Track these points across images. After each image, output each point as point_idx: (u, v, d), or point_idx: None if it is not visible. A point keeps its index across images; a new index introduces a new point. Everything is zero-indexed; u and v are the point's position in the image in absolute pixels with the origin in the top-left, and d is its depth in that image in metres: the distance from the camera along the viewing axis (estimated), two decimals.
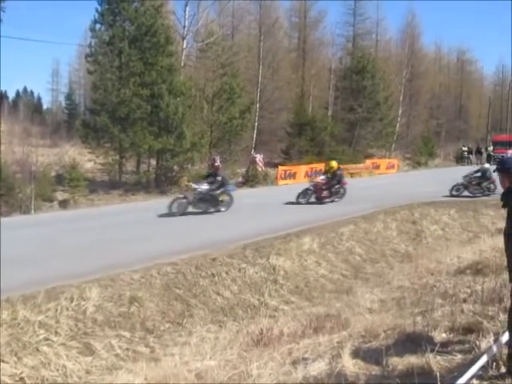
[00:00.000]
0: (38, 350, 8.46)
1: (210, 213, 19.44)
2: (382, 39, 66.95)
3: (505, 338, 5.27)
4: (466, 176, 25.43)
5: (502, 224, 5.42)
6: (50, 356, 8.40)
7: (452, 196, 24.32)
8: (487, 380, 4.92)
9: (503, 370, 5.04)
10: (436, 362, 5.46)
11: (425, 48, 70.24)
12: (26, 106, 66.17)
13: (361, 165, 40.31)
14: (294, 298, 12.36)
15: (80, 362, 8.50)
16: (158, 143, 28.42)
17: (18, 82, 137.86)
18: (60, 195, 25.94)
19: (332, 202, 22.81)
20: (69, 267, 11.74)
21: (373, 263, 15.38)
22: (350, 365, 5.79)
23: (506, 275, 6.00)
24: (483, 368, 4.95)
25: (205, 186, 19.51)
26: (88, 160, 31.96)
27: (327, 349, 6.75)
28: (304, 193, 22.66)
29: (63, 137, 50.95)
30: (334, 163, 23.93)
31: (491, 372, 5.02)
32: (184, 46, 35.36)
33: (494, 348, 5.22)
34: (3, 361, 7.95)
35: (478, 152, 52.21)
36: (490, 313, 6.86)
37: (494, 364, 5.09)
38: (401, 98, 56.64)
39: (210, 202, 19.59)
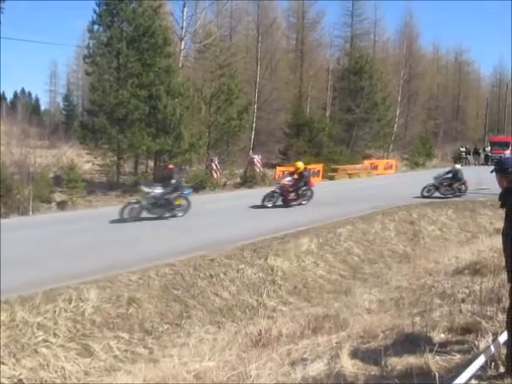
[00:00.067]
0: (36, 351, 8.45)
1: (166, 218, 18.50)
2: (380, 40, 67.20)
3: (503, 337, 5.28)
4: (437, 177, 25.38)
5: (500, 224, 5.42)
6: (48, 358, 8.39)
7: (423, 197, 24.14)
8: (486, 380, 4.92)
9: (502, 369, 5.05)
10: (435, 362, 5.46)
11: (423, 49, 70.53)
12: (24, 108, 66.08)
13: (359, 165, 40.36)
14: (292, 298, 12.37)
15: (79, 363, 8.49)
16: (155, 144, 28.41)
17: (16, 83, 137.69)
18: (58, 196, 25.93)
19: (299, 205, 21.91)
20: (67, 268, 11.73)
21: (371, 264, 15.39)
22: (348, 365, 5.79)
23: (504, 275, 6.00)
24: (482, 368, 4.95)
25: (158, 190, 18.51)
26: (86, 161, 31.96)
27: (326, 349, 6.74)
28: (270, 195, 21.74)
29: (61, 138, 50.91)
30: (300, 163, 23.17)
31: (490, 372, 5.02)
32: (182, 47, 35.36)
33: (492, 348, 5.22)
34: (2, 363, 7.95)
35: (476, 152, 52.34)
36: (488, 313, 6.86)
37: (493, 364, 5.10)
38: (399, 99, 56.67)
39: (165, 207, 18.60)
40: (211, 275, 12.37)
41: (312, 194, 22.50)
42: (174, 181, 18.95)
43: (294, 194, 21.89)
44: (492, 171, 5.41)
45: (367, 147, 50.91)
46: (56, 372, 8.21)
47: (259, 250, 14.10)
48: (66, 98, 75.97)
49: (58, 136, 52.81)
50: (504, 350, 5.15)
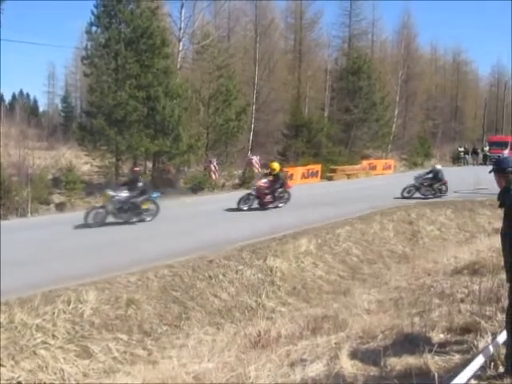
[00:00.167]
0: (35, 353, 8.44)
1: (133, 223, 17.80)
2: (378, 40, 67.20)
3: (502, 337, 5.28)
4: (417, 177, 25.33)
5: (499, 224, 5.44)
6: (47, 359, 8.39)
7: (403, 198, 24.03)
8: (485, 380, 4.93)
9: (501, 369, 5.05)
10: (434, 362, 5.47)
11: (421, 49, 70.50)
12: (23, 109, 65.96)
13: (357, 166, 40.33)
14: (291, 299, 12.37)
15: (77, 365, 8.49)
16: (154, 145, 28.38)
17: (15, 85, 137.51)
18: (57, 198, 25.88)
19: (276, 207, 21.46)
20: (66, 270, 11.73)
21: (370, 264, 15.40)
22: (348, 366, 5.79)
23: (503, 275, 6.00)
24: (482, 368, 4.95)
25: (124, 194, 17.77)
26: (84, 162, 31.89)
27: (325, 350, 6.75)
28: (246, 198, 21.24)
29: (60, 139, 50.83)
30: (275, 164, 22.72)
31: (489, 372, 5.03)
32: (180, 48, 35.32)
33: (491, 348, 5.22)
34: (1, 365, 7.94)
35: (474, 152, 52.37)
36: (487, 313, 6.87)
37: (493, 364, 5.10)
38: (397, 99, 56.66)
39: (131, 211, 17.85)
40: (210, 276, 12.37)
41: (289, 197, 22.04)
42: (140, 184, 18.32)
43: (270, 196, 21.42)
44: (490, 171, 5.42)
45: (366, 147, 50.90)
46: (55, 374, 8.21)
47: (258, 251, 14.10)
48: (65, 99, 75.90)
49: (57, 137, 52.76)
50: (503, 350, 5.16)
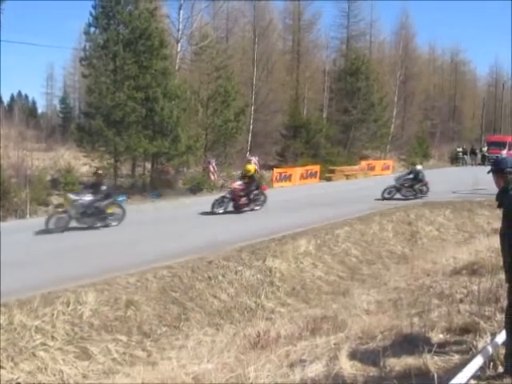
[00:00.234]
0: (34, 354, 8.44)
1: (97, 228, 17.08)
2: (376, 41, 67.18)
3: (501, 337, 5.29)
4: (398, 178, 25.18)
5: (498, 224, 5.45)
6: (46, 361, 8.38)
7: (384, 199, 23.84)
8: (485, 380, 4.94)
9: (501, 369, 5.06)
10: (433, 362, 5.47)
11: (419, 49, 70.46)
12: (21, 110, 65.91)
13: (356, 166, 40.38)
14: (290, 300, 12.37)
15: (77, 366, 8.49)
16: (153, 146, 28.39)
17: (13, 86, 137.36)
18: (55, 199, 25.86)
19: (252, 210, 20.89)
20: (65, 271, 11.73)
21: (369, 264, 15.40)
22: (347, 366, 5.80)
23: (502, 275, 6.01)
24: (481, 368, 4.95)
25: (87, 198, 16.93)
26: (83, 164, 31.87)
27: (324, 351, 6.75)
28: (220, 201, 20.57)
29: (58, 141, 50.80)
30: (250, 166, 22.34)
31: (489, 372, 5.03)
32: (178, 49, 35.37)
33: (490, 348, 5.23)
34: (0, 366, 7.94)
35: (473, 153, 52.39)
36: (486, 313, 6.87)
37: (492, 364, 5.11)
38: (395, 100, 56.74)
39: (95, 216, 17.08)
40: (209, 277, 12.36)
41: (265, 199, 21.53)
42: (104, 187, 17.50)
43: (245, 198, 20.81)
44: (489, 171, 5.43)
45: (364, 148, 50.98)
46: (54, 375, 8.20)
47: (257, 252, 14.09)
48: (63, 100, 75.88)
49: (55, 139, 52.70)
50: (502, 350, 5.16)
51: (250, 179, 21.23)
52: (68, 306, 9.77)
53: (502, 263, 5.27)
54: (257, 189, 21.38)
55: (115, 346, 9.17)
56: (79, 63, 34.92)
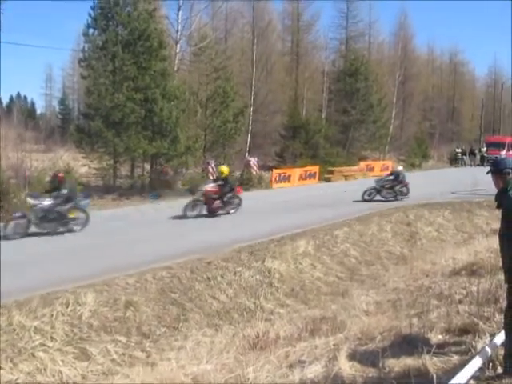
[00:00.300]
0: (33, 355, 8.44)
1: (60, 234, 16.21)
2: (375, 41, 67.21)
3: (500, 338, 5.29)
4: (378, 180, 25.02)
5: (497, 225, 5.44)
6: (45, 362, 8.38)
7: (364, 201, 23.67)
8: (484, 381, 4.94)
9: (500, 370, 5.06)
10: (432, 363, 5.47)
11: (417, 50, 70.55)
12: (20, 112, 65.93)
13: (355, 167, 40.34)
14: (289, 300, 12.38)
15: (76, 367, 8.49)
16: (152, 147, 28.35)
17: (12, 88, 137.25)
18: None
19: (227, 213, 20.18)
20: (64, 272, 11.71)
21: (368, 265, 15.41)
22: (346, 367, 5.80)
23: (501, 276, 6.02)
24: (480, 369, 4.95)
25: (47, 202, 16.18)
26: (82, 165, 31.85)
27: (324, 351, 6.75)
28: (192, 204, 19.70)
29: (57, 142, 50.84)
30: (224, 168, 21.52)
31: (488, 373, 5.03)
32: (177, 50, 35.30)
33: (488, 349, 5.23)
34: None
35: (472, 153, 52.41)
36: (485, 314, 6.87)
37: (491, 365, 5.11)
38: (394, 100, 56.73)
39: (57, 221, 16.31)
40: (208, 278, 12.37)
41: (240, 202, 20.81)
42: (65, 190, 16.69)
43: (219, 201, 20.05)
44: (488, 172, 5.43)
45: (363, 149, 50.90)
46: (53, 376, 8.21)
47: (256, 253, 14.10)
48: (62, 101, 75.94)
49: (54, 140, 52.72)
50: (502, 351, 5.17)
51: (224, 181, 20.49)
52: (67, 307, 9.77)
53: (501, 264, 5.28)
54: (231, 191, 20.64)
55: (114, 347, 9.17)
56: (78, 64, 34.89)
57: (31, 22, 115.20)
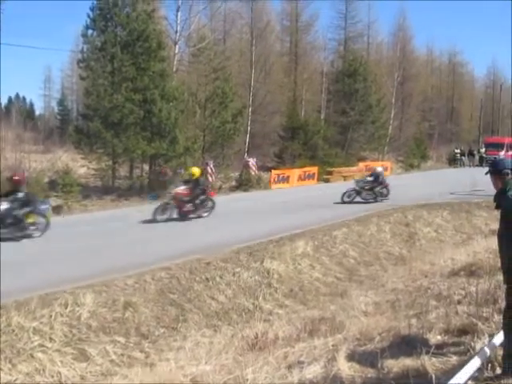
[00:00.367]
0: (32, 356, 8.43)
1: (18, 240, 15.28)
2: (374, 42, 67.30)
3: (499, 339, 5.29)
4: (358, 181, 24.79)
5: (496, 225, 5.45)
6: (44, 362, 8.37)
7: (344, 203, 23.37)
8: (483, 381, 4.94)
9: (499, 371, 5.06)
10: (431, 363, 5.47)
11: (416, 51, 70.61)
12: (19, 113, 66.00)
13: (354, 168, 40.34)
14: (288, 301, 12.38)
15: (75, 368, 8.48)
16: (151, 148, 28.36)
17: (11, 89, 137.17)
18: (53, 201, 25.81)
19: (199, 217, 19.34)
20: (63, 273, 11.71)
21: (367, 266, 15.41)
22: (345, 368, 5.80)
23: (500, 276, 6.03)
24: (479, 370, 4.96)
25: (3, 206, 15.38)
26: (81, 165, 31.89)
27: (322, 352, 6.75)
28: (163, 208, 18.99)
29: (56, 142, 50.83)
30: (195, 169, 20.56)
31: (486, 373, 5.04)
32: (176, 51, 35.31)
33: (487, 350, 5.23)
34: None
35: (471, 154, 52.45)
36: (484, 314, 6.88)
37: (490, 365, 5.11)
38: (393, 101, 56.72)
39: (14, 226, 15.47)
40: (207, 279, 12.37)
41: (214, 205, 20.01)
42: (21, 194, 15.82)
43: (190, 204, 19.19)
44: (487, 173, 5.44)
45: (362, 149, 50.92)
46: (52, 377, 8.20)
47: (255, 253, 14.10)
48: (61, 102, 75.90)
49: (53, 141, 52.73)
50: (500, 351, 5.17)
51: (194, 183, 19.58)
52: (66, 308, 9.76)
53: (499, 264, 5.28)
54: (202, 193, 19.75)
55: (113, 348, 9.16)
56: (77, 65, 34.87)
57: (30, 23, 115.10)
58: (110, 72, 29.26)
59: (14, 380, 7.85)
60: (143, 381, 7.40)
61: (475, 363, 4.88)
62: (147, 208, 20.20)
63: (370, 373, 5.64)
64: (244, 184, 31.57)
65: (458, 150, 52.71)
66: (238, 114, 35.88)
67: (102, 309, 10.11)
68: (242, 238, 15.56)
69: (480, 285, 8.42)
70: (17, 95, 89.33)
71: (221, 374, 6.63)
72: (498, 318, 6.16)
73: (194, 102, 34.30)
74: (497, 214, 5.30)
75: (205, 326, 10.45)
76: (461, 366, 5.01)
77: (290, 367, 6.28)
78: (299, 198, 24.99)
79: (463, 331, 6.45)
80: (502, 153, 46.05)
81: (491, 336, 5.78)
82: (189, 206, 19.16)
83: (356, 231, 17.71)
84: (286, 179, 33.18)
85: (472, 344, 5.84)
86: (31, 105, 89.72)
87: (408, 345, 6.23)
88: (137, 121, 28.55)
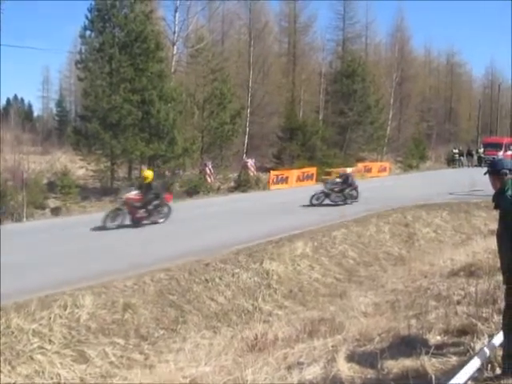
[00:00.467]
0: (31, 358, 8.43)
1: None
2: (372, 43, 67.34)
3: (498, 339, 5.29)
4: (327, 183, 24.30)
5: (495, 225, 5.44)
6: (44, 364, 8.37)
7: (312, 205, 22.86)
8: (482, 382, 4.93)
9: (498, 371, 5.06)
10: (431, 364, 5.46)
11: (414, 51, 70.68)
12: (17, 114, 65.86)
13: (353, 168, 40.32)
14: (287, 302, 12.36)
15: (74, 369, 8.47)
16: (149, 149, 28.38)
17: (9, 90, 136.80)
18: (52, 202, 25.83)
19: (154, 223, 18.27)
20: (62, 274, 11.70)
21: (366, 266, 15.40)
22: (345, 369, 5.79)
23: (499, 277, 6.02)
24: (479, 370, 4.95)
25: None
26: (79, 167, 31.89)
27: (322, 353, 6.74)
28: (114, 214, 17.82)
29: (54, 144, 50.83)
30: (148, 172, 19.33)
31: (486, 374, 5.03)
32: (174, 52, 35.35)
33: (487, 350, 5.22)
34: None
35: (469, 154, 52.42)
36: (483, 314, 6.87)
37: (489, 366, 5.11)
38: (391, 102, 56.80)
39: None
40: (206, 280, 12.36)
41: (169, 211, 18.81)
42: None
43: (143, 210, 18.03)
44: (485, 173, 5.44)
45: (361, 150, 50.98)
46: (52, 379, 8.19)
47: (254, 254, 14.08)
48: (59, 103, 75.76)
49: (51, 142, 52.74)
50: (500, 352, 5.17)
51: (147, 188, 18.30)
52: (65, 310, 9.76)
53: (499, 265, 5.28)
54: (156, 199, 18.37)
55: (112, 350, 9.15)
56: (75, 66, 34.97)
57: (28, 24, 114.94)
58: (108, 73, 29.28)
59: (14, 382, 7.84)
60: (143, 382, 7.40)
61: (475, 364, 4.88)
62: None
63: (370, 373, 5.63)
64: (243, 185, 31.58)
65: (457, 151, 52.69)
66: (237, 115, 35.95)
67: (102, 310, 10.11)
68: (240, 239, 15.55)
69: (479, 285, 8.41)
70: (15, 96, 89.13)
71: (220, 375, 6.62)
72: (498, 318, 6.16)
73: (192, 103, 34.34)
74: (496, 214, 5.30)
75: (204, 328, 10.44)
76: (460, 366, 5.00)
77: (289, 368, 6.27)
78: (298, 199, 24.95)
79: (463, 332, 6.45)
80: (501, 153, 46.07)
81: (491, 336, 5.77)
82: (141, 212, 18.03)
83: (355, 232, 17.69)
84: (284, 180, 33.18)
85: (472, 344, 5.84)
86: (29, 106, 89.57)
87: (408, 345, 6.22)
88: (135, 122, 28.57)
